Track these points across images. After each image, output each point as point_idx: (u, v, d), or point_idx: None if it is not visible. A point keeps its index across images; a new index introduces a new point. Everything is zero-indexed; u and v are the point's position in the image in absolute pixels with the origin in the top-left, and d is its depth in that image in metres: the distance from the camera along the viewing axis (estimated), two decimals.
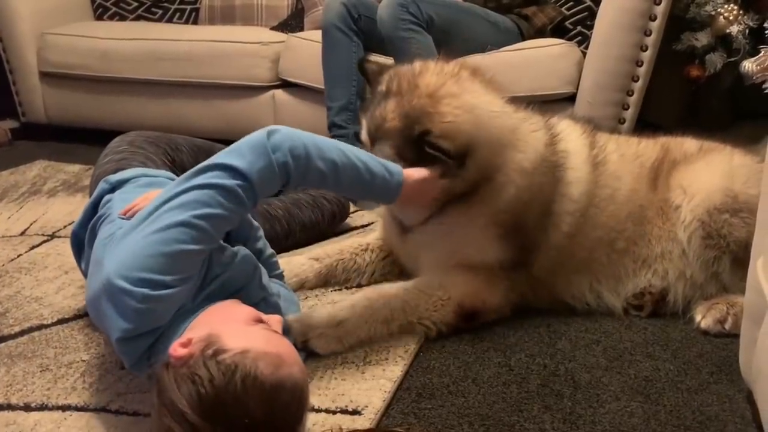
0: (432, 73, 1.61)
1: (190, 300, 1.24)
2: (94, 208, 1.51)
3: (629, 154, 1.82)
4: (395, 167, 1.48)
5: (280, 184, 1.29)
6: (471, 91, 1.61)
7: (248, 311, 1.23)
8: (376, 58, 2.85)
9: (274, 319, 1.24)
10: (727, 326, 1.64)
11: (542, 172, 1.66)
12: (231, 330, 1.13)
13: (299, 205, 2.12)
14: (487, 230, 1.64)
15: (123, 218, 1.37)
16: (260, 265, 1.47)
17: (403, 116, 1.57)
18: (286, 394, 1.07)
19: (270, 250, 1.67)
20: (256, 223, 1.64)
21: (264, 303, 1.40)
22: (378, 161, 1.46)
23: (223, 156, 1.25)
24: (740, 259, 1.63)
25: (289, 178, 1.29)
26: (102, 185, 1.55)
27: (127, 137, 1.86)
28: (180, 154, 1.89)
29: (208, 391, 1.02)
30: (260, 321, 1.20)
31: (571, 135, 1.77)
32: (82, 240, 1.51)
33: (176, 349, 1.10)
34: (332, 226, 2.24)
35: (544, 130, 1.72)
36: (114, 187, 1.54)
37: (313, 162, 1.31)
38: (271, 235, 1.96)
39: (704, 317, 1.67)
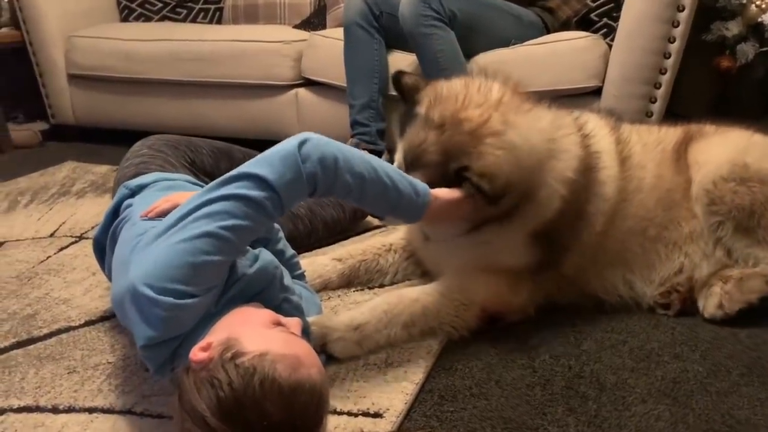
0: (476, 105, 1.52)
1: (212, 305, 1.24)
2: (114, 214, 1.53)
3: (651, 142, 1.81)
4: (423, 187, 1.44)
5: (307, 195, 1.28)
6: (514, 126, 1.51)
7: (267, 314, 1.23)
8: (399, 54, 2.85)
9: (293, 322, 1.24)
10: (727, 310, 1.64)
11: (580, 177, 1.62)
12: (250, 333, 1.13)
13: (321, 203, 2.12)
14: (523, 240, 1.61)
15: (145, 219, 1.38)
16: (281, 266, 1.47)
17: (442, 152, 1.51)
18: (305, 396, 1.06)
19: (291, 251, 1.67)
20: (277, 225, 1.64)
21: (286, 304, 1.40)
22: (406, 179, 1.41)
23: (253, 165, 1.23)
24: (743, 226, 1.65)
25: (316, 189, 1.27)
26: (122, 190, 1.57)
27: (147, 141, 1.87)
28: (200, 156, 1.89)
29: (226, 394, 1.03)
30: (279, 324, 1.20)
31: (600, 133, 1.73)
32: (104, 246, 1.53)
33: (196, 353, 1.10)
34: (354, 223, 2.25)
35: (577, 132, 1.68)
36: (134, 192, 1.55)
37: (342, 174, 1.28)
38: (293, 234, 1.99)
39: (705, 306, 1.68)
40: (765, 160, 1.68)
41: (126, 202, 1.52)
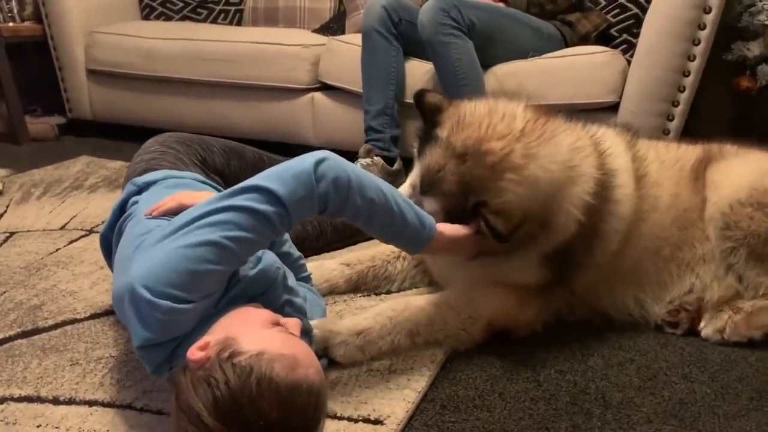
0: (499, 137, 1.46)
1: (212, 306, 1.24)
2: (121, 210, 1.53)
3: (668, 160, 1.78)
4: (429, 221, 1.41)
5: (316, 213, 1.27)
6: (536, 158, 1.46)
7: (265, 314, 1.23)
8: (416, 62, 2.84)
9: (292, 322, 1.23)
10: (726, 335, 1.63)
11: (596, 198, 1.57)
12: (247, 333, 1.13)
13: None
14: (536, 261, 1.58)
15: (149, 218, 1.38)
16: (286, 267, 1.46)
17: (460, 182, 1.47)
18: (302, 396, 1.06)
19: (297, 253, 1.66)
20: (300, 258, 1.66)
21: (289, 306, 1.39)
22: (414, 210, 1.38)
23: (266, 179, 1.21)
24: (756, 254, 1.61)
25: (326, 209, 1.26)
26: (129, 187, 1.57)
27: (159, 138, 1.88)
28: (211, 155, 1.89)
29: (223, 394, 1.02)
30: (278, 323, 1.20)
31: (616, 150, 1.69)
32: (111, 242, 1.53)
33: (194, 352, 1.10)
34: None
35: (593, 151, 1.62)
36: (141, 189, 1.55)
37: (353, 197, 1.27)
38: (302, 236, 1.99)
39: (705, 326, 1.66)
40: None
41: (132, 199, 1.52)
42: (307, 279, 1.67)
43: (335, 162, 1.26)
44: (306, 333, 1.40)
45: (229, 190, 1.23)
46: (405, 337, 1.53)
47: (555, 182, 1.49)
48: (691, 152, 1.82)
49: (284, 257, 1.56)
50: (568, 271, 1.63)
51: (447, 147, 1.50)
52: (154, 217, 1.38)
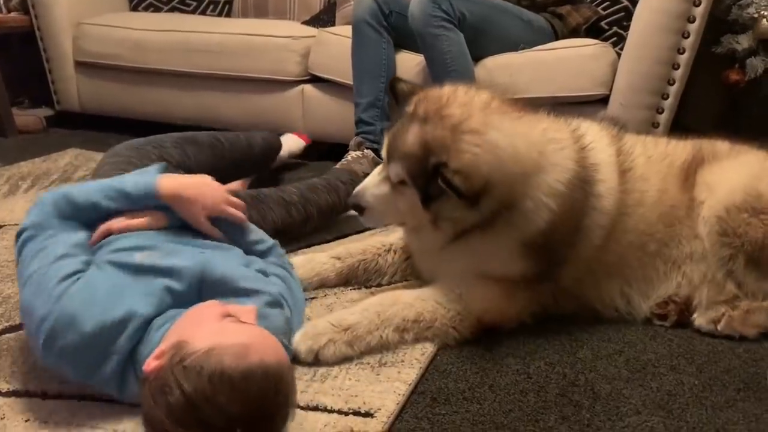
0: (460, 104, 1.52)
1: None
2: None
3: (657, 155, 1.77)
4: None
5: (61, 208, 1.42)
6: (497, 128, 1.50)
7: (214, 309, 1.23)
8: (406, 54, 2.84)
9: (244, 310, 1.23)
10: (719, 327, 1.64)
11: (575, 191, 1.59)
12: (197, 332, 1.14)
13: (314, 189, 2.15)
14: (516, 250, 1.58)
15: None
16: (239, 251, 1.56)
17: (422, 144, 1.50)
18: (258, 383, 1.06)
19: (269, 243, 1.70)
20: (254, 226, 1.71)
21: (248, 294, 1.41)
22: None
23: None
24: (755, 259, 1.61)
25: (63, 202, 1.42)
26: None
27: (112, 149, 1.94)
28: (165, 150, 1.94)
29: (178, 399, 1.03)
30: (228, 314, 1.20)
31: (599, 145, 1.69)
32: None
33: (149, 363, 1.11)
34: (348, 208, 2.22)
35: (572, 144, 1.63)
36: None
37: (61, 191, 1.45)
38: (288, 221, 2.02)
39: (699, 316, 1.67)
40: None
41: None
42: (283, 262, 1.70)
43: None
44: (275, 305, 1.43)
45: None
46: (393, 333, 1.53)
47: (520, 158, 1.51)
48: (681, 150, 1.80)
49: (259, 254, 1.63)
50: (552, 265, 1.64)
51: (411, 116, 1.56)
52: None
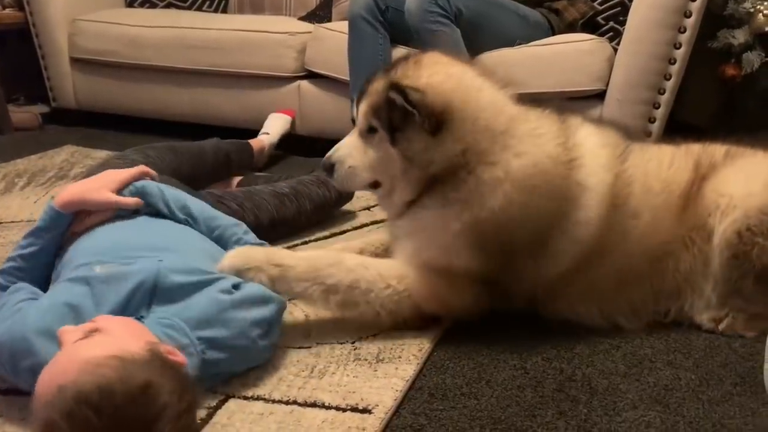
0: (428, 55, 1.59)
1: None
2: None
3: (656, 187, 1.63)
4: None
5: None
6: (461, 67, 1.56)
7: (63, 333, 1.17)
8: (403, 49, 2.83)
9: (93, 325, 1.18)
10: (721, 327, 1.62)
11: (541, 194, 1.50)
12: (48, 371, 1.10)
13: (303, 182, 2.18)
14: (462, 235, 1.51)
15: None
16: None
17: (386, 83, 1.52)
18: (94, 402, 0.97)
19: (227, 222, 1.71)
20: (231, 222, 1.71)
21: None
22: None
23: None
24: (764, 279, 1.56)
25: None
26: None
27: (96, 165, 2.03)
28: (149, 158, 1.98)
29: None
30: (88, 331, 1.15)
31: (593, 163, 1.56)
32: None
33: None
34: (340, 202, 2.28)
35: (556, 141, 1.55)
36: None
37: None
38: (283, 211, 2.06)
39: (701, 313, 1.64)
40: None
41: None
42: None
43: None
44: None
45: None
46: (321, 293, 1.50)
47: (486, 109, 1.51)
48: (681, 173, 1.66)
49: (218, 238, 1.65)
50: (509, 273, 1.56)
51: (379, 72, 1.61)
52: None
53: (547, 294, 1.61)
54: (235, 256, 1.49)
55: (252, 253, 1.52)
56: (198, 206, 1.68)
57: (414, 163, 1.52)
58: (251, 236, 1.70)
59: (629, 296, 1.64)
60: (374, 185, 1.64)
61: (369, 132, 1.58)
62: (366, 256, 1.68)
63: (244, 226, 1.72)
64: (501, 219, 1.49)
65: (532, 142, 1.53)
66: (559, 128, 1.59)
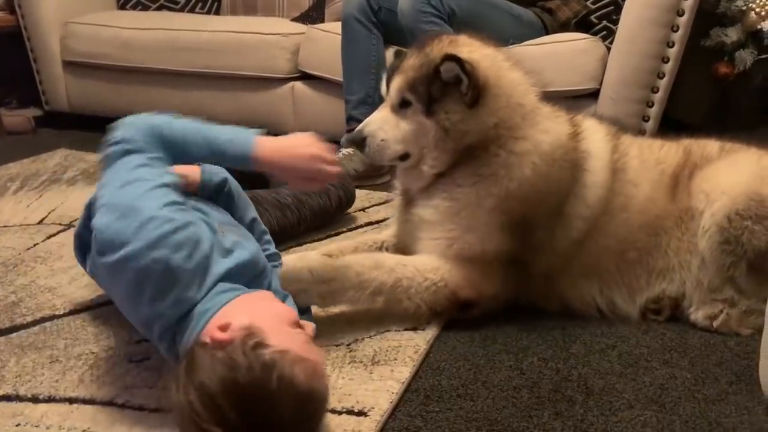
0: (461, 36, 1.70)
1: (208, 271, 1.26)
2: (91, 206, 1.50)
3: (651, 161, 1.74)
4: (249, 131, 1.49)
5: (156, 136, 1.37)
6: (495, 53, 1.67)
7: (288, 311, 1.25)
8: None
9: (310, 326, 1.25)
10: (716, 324, 1.63)
11: (561, 165, 1.62)
12: (272, 327, 1.14)
13: (306, 192, 2.17)
14: (493, 216, 1.60)
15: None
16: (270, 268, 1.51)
17: (423, 57, 1.63)
18: (314, 404, 1.09)
19: (274, 249, 1.71)
20: (263, 227, 1.71)
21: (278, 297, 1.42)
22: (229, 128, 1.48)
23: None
24: (757, 267, 1.59)
25: (159, 131, 1.38)
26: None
27: None
28: None
29: (244, 380, 1.03)
30: (298, 324, 1.21)
31: (594, 136, 1.71)
32: (86, 241, 1.48)
33: (216, 330, 1.11)
34: (339, 211, 2.28)
35: (569, 122, 1.71)
36: None
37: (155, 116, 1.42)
38: (283, 223, 2.05)
39: (696, 310, 1.65)
40: None
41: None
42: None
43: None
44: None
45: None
46: (368, 296, 1.56)
47: (517, 90, 1.64)
48: (672, 155, 1.77)
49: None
50: (528, 248, 1.64)
51: (408, 54, 1.70)
52: None
53: (557, 269, 1.67)
54: (282, 279, 1.51)
55: (297, 275, 1.53)
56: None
57: (449, 134, 1.61)
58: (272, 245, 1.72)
59: (627, 274, 1.69)
60: (404, 157, 1.71)
61: (401, 106, 1.65)
62: (398, 254, 1.74)
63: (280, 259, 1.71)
64: (528, 192, 1.59)
65: (554, 121, 1.67)
66: (565, 111, 1.75)
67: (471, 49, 1.63)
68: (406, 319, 1.61)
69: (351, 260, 1.60)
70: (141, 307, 1.25)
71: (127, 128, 1.37)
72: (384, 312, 1.61)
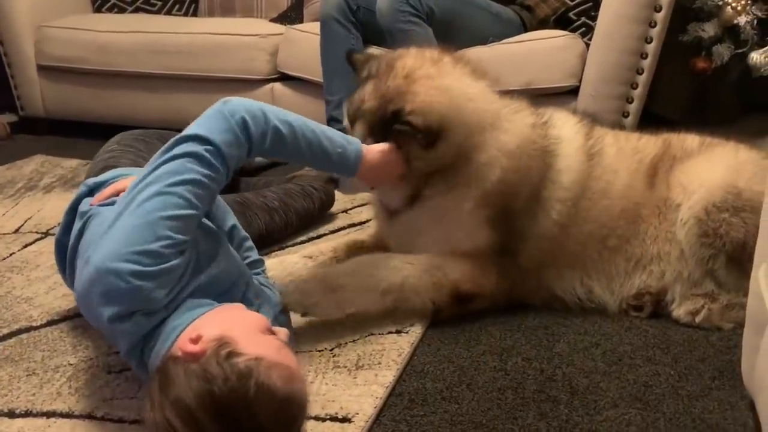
0: (411, 57, 1.62)
1: (180, 291, 1.22)
2: (72, 212, 1.47)
3: (628, 149, 1.78)
4: (354, 139, 1.52)
5: (245, 146, 1.30)
6: (449, 75, 1.61)
7: (260, 319, 1.23)
8: (375, 49, 2.81)
9: (283, 332, 1.23)
10: (698, 319, 1.64)
11: (530, 155, 1.65)
12: (244, 335, 1.12)
13: (291, 194, 2.17)
14: (476, 213, 1.62)
15: (101, 206, 1.37)
16: (247, 269, 1.46)
17: (378, 97, 1.58)
18: (293, 409, 1.08)
19: (257, 256, 1.68)
20: (244, 233, 1.67)
21: (253, 308, 1.38)
22: (336, 132, 1.47)
23: (187, 129, 1.27)
24: (736, 259, 1.60)
25: (250, 138, 1.30)
26: (81, 188, 1.52)
27: (118, 137, 1.88)
28: None
29: (221, 391, 1.02)
30: (271, 331, 1.19)
31: (564, 122, 1.74)
32: (67, 247, 1.44)
33: (187, 344, 1.09)
34: (322, 213, 2.29)
35: (531, 114, 1.72)
36: (92, 190, 1.50)
37: (271, 121, 1.33)
38: (271, 227, 2.05)
39: (678, 306, 1.67)
40: (756, 182, 1.62)
41: (84, 200, 1.47)
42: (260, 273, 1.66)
43: (241, 99, 1.33)
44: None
45: (158, 151, 1.26)
46: (379, 296, 1.58)
47: (473, 109, 1.60)
48: (651, 145, 1.79)
49: (244, 260, 1.57)
50: (514, 237, 1.67)
51: (366, 78, 1.65)
52: (104, 205, 1.37)
53: (547, 260, 1.70)
54: (295, 293, 1.53)
55: (308, 287, 1.55)
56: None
57: (411, 169, 1.61)
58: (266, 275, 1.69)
59: (608, 261, 1.72)
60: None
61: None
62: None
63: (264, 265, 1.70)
64: (503, 188, 1.62)
65: (514, 118, 1.67)
66: (531, 104, 1.77)
67: (427, 87, 1.56)
68: (409, 315, 1.63)
69: (355, 264, 1.63)
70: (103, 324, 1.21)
71: (218, 120, 1.27)
72: (367, 315, 1.61)
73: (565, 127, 1.73)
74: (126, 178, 1.47)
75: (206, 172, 1.22)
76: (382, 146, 1.56)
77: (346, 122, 1.69)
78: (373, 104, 1.59)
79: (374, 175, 1.56)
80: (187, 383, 1.03)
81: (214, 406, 1.01)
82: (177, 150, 1.22)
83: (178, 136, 1.26)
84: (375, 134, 1.59)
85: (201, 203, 1.23)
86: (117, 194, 1.38)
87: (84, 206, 1.43)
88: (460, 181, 1.62)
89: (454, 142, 1.58)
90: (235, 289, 1.36)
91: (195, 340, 1.10)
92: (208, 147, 1.23)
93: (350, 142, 1.49)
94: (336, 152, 1.45)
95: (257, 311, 1.36)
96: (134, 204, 1.17)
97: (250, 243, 1.68)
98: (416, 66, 1.59)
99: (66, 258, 1.45)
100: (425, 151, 1.57)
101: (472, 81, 1.65)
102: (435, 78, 1.58)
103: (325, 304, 1.54)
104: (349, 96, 2.69)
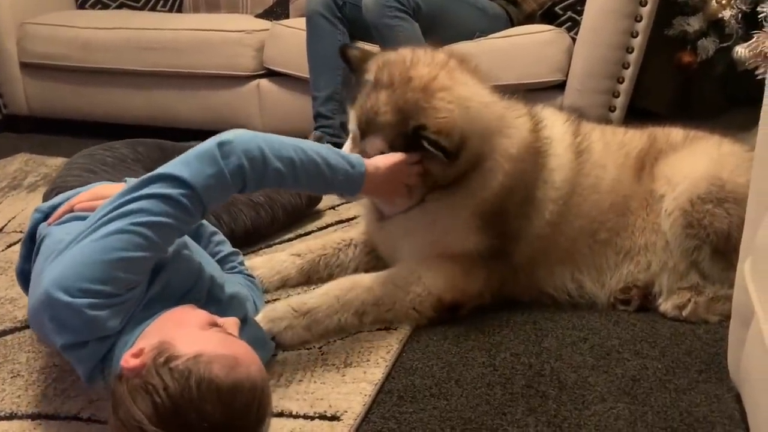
0: (424, 65, 1.57)
1: (137, 306, 1.20)
2: (31, 240, 1.43)
3: (614, 143, 1.79)
4: (357, 158, 1.45)
5: (235, 189, 1.26)
6: (462, 83, 1.58)
7: (201, 315, 1.20)
8: (362, 45, 2.80)
9: (230, 322, 1.21)
10: (684, 313, 1.65)
11: (526, 158, 1.64)
12: (183, 335, 1.11)
13: (277, 190, 2.14)
14: (471, 220, 1.62)
15: (57, 225, 1.36)
16: (216, 264, 1.47)
17: (396, 110, 1.53)
18: (244, 395, 1.05)
19: (230, 249, 1.67)
20: (212, 228, 1.66)
21: (223, 304, 1.37)
22: (338, 154, 1.43)
23: (168, 166, 1.22)
24: (720, 250, 1.61)
25: (245, 182, 1.26)
26: (34, 215, 1.47)
27: (68, 163, 1.93)
28: (116, 151, 1.92)
29: (163, 400, 1.01)
30: (215, 324, 1.17)
31: (554, 122, 1.75)
32: (29, 276, 1.39)
33: (128, 360, 1.07)
34: (308, 208, 2.27)
35: (528, 116, 1.71)
36: (47, 215, 1.45)
37: (270, 163, 1.28)
38: (257, 222, 2.03)
39: (665, 301, 1.68)
40: (739, 174, 1.63)
41: (40, 227, 1.42)
42: (241, 271, 1.66)
43: (241, 137, 1.27)
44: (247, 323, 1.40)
45: (133, 183, 1.22)
46: (352, 317, 1.55)
47: (486, 116, 1.59)
48: (637, 139, 1.81)
49: (214, 256, 1.57)
50: (507, 239, 1.66)
51: (376, 84, 1.57)
52: (60, 224, 1.36)
53: (538, 257, 1.70)
54: (264, 322, 1.49)
55: (276, 314, 1.51)
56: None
57: (426, 180, 1.59)
58: (244, 266, 1.68)
59: (598, 255, 1.73)
60: None
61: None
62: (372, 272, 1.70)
63: (240, 256, 1.69)
64: (499, 192, 1.61)
65: (517, 123, 1.67)
66: (524, 104, 1.76)
67: (447, 101, 1.52)
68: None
69: (328, 287, 1.60)
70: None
71: (207, 162, 1.22)
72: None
73: (554, 127, 1.73)
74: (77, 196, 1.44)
75: (178, 215, 1.19)
76: (391, 159, 1.51)
77: (353, 126, 1.62)
78: (390, 118, 1.53)
79: (380, 191, 1.55)
80: (131, 400, 1.03)
81: (161, 416, 1.01)
82: (154, 188, 1.18)
83: (160, 171, 1.21)
84: (395, 148, 1.54)
85: (166, 243, 1.22)
86: (71, 211, 1.38)
87: (41, 230, 1.40)
88: (462, 186, 1.60)
89: (472, 152, 1.57)
90: (195, 289, 1.33)
91: (137, 354, 1.08)
92: (187, 192, 1.19)
93: (353, 164, 1.43)
94: (338, 180, 1.40)
95: (228, 307, 1.35)
96: (97, 235, 1.15)
97: (220, 237, 1.66)
98: (431, 76, 1.54)
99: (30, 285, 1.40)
100: (446, 165, 1.54)
101: (480, 85, 1.64)
102: (451, 89, 1.54)
103: (298, 328, 1.50)
104: (335, 91, 2.74)
